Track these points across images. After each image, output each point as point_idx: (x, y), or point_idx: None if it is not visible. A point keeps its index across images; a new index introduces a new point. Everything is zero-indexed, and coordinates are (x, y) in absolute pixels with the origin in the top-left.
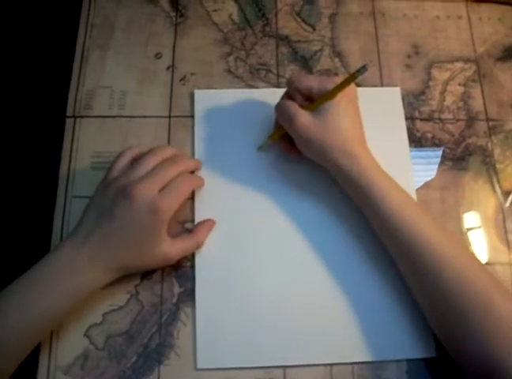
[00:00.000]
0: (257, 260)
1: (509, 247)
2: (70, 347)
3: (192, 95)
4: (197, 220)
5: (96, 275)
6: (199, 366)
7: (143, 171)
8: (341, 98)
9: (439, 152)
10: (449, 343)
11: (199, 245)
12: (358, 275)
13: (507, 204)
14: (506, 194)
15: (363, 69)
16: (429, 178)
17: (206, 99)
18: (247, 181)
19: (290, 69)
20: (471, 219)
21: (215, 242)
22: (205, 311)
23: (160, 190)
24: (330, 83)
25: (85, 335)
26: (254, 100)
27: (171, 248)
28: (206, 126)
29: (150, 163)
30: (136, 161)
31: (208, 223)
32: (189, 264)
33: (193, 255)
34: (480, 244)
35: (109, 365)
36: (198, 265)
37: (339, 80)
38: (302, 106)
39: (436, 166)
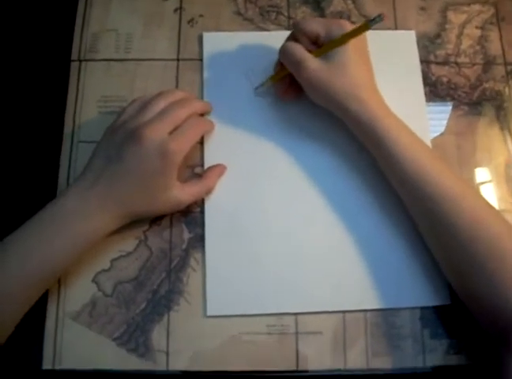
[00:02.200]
0: (267, 206)
1: None
2: (78, 293)
3: (200, 38)
4: (206, 165)
5: (103, 221)
6: (209, 313)
7: (152, 114)
8: (351, 45)
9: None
10: (462, 290)
11: (209, 191)
12: (370, 221)
13: None
14: None
15: (378, 19)
16: (444, 123)
17: (215, 41)
18: (257, 126)
19: (301, 11)
20: (485, 168)
21: (225, 187)
22: (215, 258)
23: (170, 133)
24: (338, 28)
25: (93, 281)
26: (263, 43)
27: (181, 193)
28: (215, 70)
29: (159, 105)
30: (145, 105)
31: (219, 168)
32: (198, 209)
33: (202, 200)
34: (492, 193)
35: (118, 312)
36: (208, 211)
37: (347, 24)
38: (309, 51)
39: (450, 110)
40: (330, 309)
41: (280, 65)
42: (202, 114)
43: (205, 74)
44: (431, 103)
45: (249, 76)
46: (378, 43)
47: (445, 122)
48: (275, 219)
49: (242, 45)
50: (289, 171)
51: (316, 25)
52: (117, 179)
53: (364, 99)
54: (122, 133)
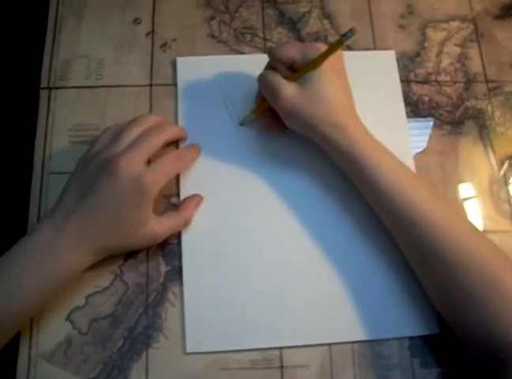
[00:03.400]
0: (246, 237)
1: (504, 216)
2: (52, 332)
3: (174, 63)
4: (182, 195)
5: (77, 258)
6: (188, 350)
7: (125, 143)
8: (326, 66)
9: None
10: (451, 319)
11: (187, 222)
12: (355, 251)
13: (502, 172)
14: (501, 162)
15: (349, 34)
16: (426, 144)
17: (189, 67)
18: (235, 155)
19: (277, 33)
20: (469, 186)
21: (201, 218)
22: (194, 291)
23: (148, 162)
24: (313, 50)
25: (68, 319)
26: (240, 67)
27: (158, 226)
28: (190, 97)
29: (133, 133)
30: (118, 134)
31: (196, 199)
32: (176, 241)
33: (179, 232)
34: (477, 212)
35: (94, 351)
36: (185, 243)
37: (322, 47)
38: (286, 78)
39: (431, 131)
40: (316, 342)
41: (262, 97)
42: (177, 141)
43: (180, 101)
44: (412, 123)
45: (227, 104)
46: (357, 63)
47: (427, 142)
48: (254, 252)
49: (218, 70)
50: (267, 201)
51: (291, 50)
52: (91, 214)
53: (342, 124)
54: (95, 165)
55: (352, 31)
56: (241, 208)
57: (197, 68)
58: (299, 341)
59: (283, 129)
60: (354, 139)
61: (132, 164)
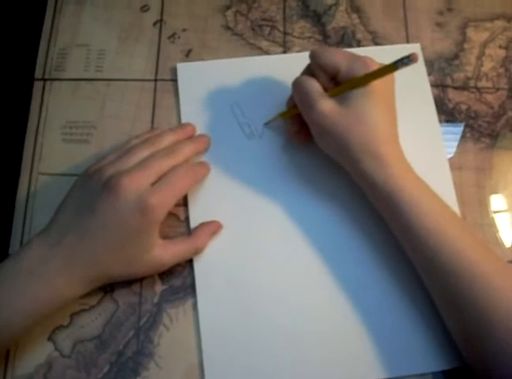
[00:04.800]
0: (260, 266)
1: None
2: (31, 353)
3: (185, 52)
4: (190, 206)
5: (69, 285)
6: None
7: (132, 162)
8: (375, 87)
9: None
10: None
11: (198, 251)
12: (370, 282)
13: None
14: None
15: (406, 60)
16: (462, 158)
17: (191, 73)
18: (248, 171)
19: (299, 27)
20: (510, 209)
21: (215, 247)
22: (210, 329)
23: (153, 184)
24: (361, 66)
25: (49, 339)
26: (247, 71)
27: (164, 253)
28: (194, 105)
29: (142, 153)
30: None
31: (212, 226)
32: None
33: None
34: None
35: (76, 376)
36: (199, 277)
37: (372, 64)
38: (325, 89)
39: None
40: None
41: (293, 101)
42: None
43: (182, 112)
44: (446, 135)
45: (235, 112)
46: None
47: (462, 156)
48: (269, 283)
49: (224, 75)
50: (284, 225)
51: (337, 58)
52: (87, 236)
53: (382, 155)
54: (96, 181)
55: (409, 57)
56: (253, 230)
57: (200, 74)
58: None
59: (307, 142)
60: (392, 172)
61: (136, 184)
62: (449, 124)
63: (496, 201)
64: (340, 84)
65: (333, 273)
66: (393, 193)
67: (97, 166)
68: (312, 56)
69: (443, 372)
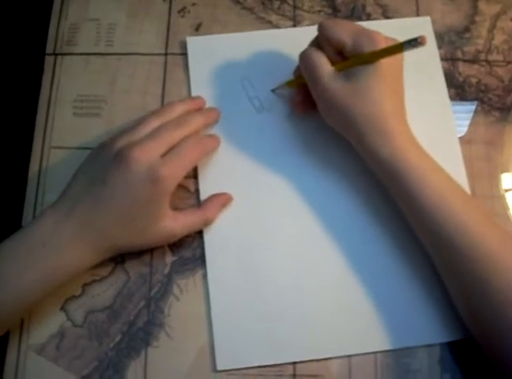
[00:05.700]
0: (270, 239)
1: None
2: (44, 323)
3: (195, 26)
4: (200, 178)
5: (80, 255)
6: (219, 368)
7: (143, 133)
8: (383, 65)
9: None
10: (481, 340)
11: (208, 223)
12: (378, 255)
13: None
14: None
15: (414, 43)
16: (472, 132)
17: (201, 47)
18: (257, 145)
19: (309, 1)
20: None
21: (224, 216)
22: (221, 306)
23: (164, 155)
24: (368, 42)
25: (62, 309)
26: (257, 45)
27: (174, 223)
28: (204, 80)
29: (153, 123)
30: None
31: (222, 198)
32: None
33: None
34: None
35: (89, 346)
36: (209, 251)
37: (380, 40)
38: (332, 62)
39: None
40: (335, 355)
41: (300, 71)
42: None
43: (193, 86)
44: (455, 107)
45: (245, 86)
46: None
47: (472, 130)
48: (279, 257)
49: (234, 49)
50: (292, 198)
51: (344, 32)
52: (99, 206)
53: (387, 129)
54: (107, 154)
55: (417, 40)
56: (262, 202)
57: (210, 48)
58: (317, 355)
59: (312, 112)
60: (399, 147)
61: (147, 155)
62: (461, 102)
63: (507, 177)
64: (347, 59)
65: (341, 244)
66: (398, 168)
67: (111, 138)
68: (320, 28)
69: (450, 343)
